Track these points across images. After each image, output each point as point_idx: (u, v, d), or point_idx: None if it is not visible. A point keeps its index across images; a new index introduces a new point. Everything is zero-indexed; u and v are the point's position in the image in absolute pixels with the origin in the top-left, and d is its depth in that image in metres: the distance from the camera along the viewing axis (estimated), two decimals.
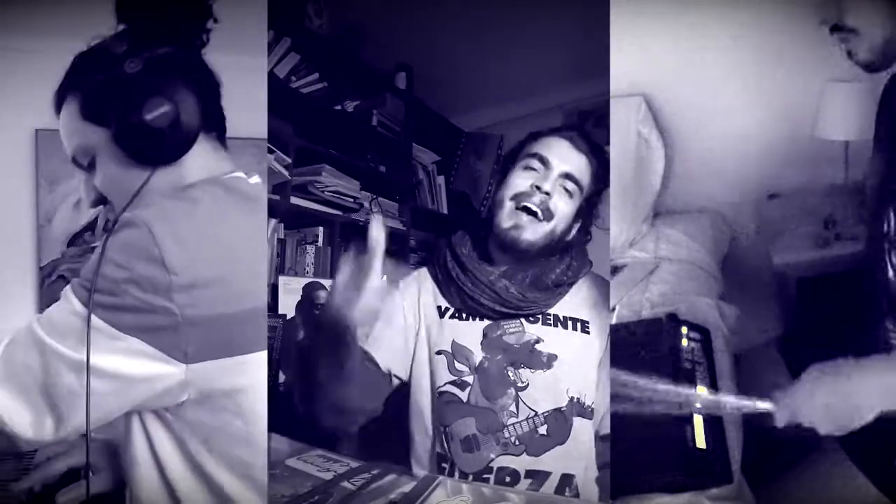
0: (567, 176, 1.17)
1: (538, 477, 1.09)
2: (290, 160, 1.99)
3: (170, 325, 0.74)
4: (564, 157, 1.18)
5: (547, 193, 1.15)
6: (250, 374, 0.80)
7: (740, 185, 1.87)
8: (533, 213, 1.15)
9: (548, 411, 1.11)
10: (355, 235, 2.32)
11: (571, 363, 1.14)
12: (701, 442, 1.04)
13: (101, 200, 0.88)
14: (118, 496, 0.92)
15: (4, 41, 1.95)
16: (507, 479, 1.08)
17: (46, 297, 2.15)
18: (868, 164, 1.15)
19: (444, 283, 1.20)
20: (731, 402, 1.00)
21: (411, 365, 1.18)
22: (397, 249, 2.49)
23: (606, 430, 1.16)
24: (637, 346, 1.18)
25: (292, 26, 2.01)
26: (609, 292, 1.27)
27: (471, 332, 1.16)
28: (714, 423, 1.08)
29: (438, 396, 1.14)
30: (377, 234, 0.91)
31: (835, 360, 0.93)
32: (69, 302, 0.76)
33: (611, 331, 1.19)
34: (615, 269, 1.61)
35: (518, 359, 1.13)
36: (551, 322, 1.18)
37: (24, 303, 2.18)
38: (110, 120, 0.82)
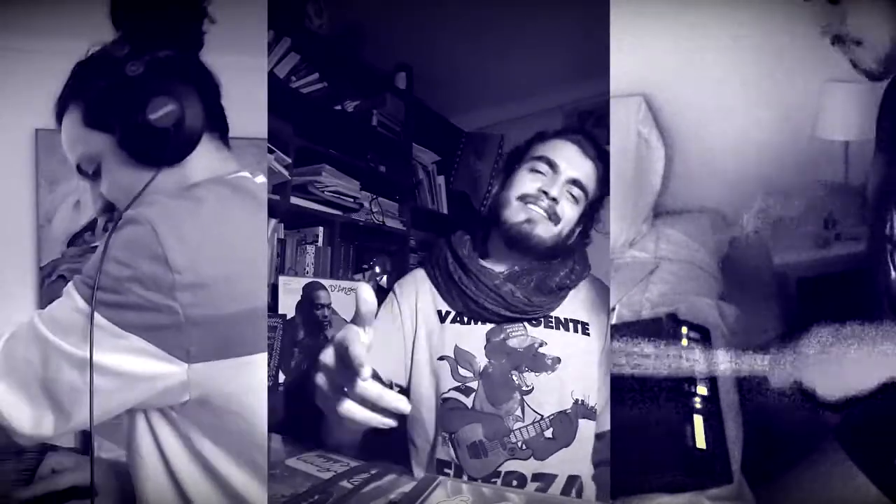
0: (574, 182, 1.17)
1: (545, 480, 1.09)
2: (290, 160, 1.99)
3: (172, 324, 0.74)
4: (573, 162, 1.18)
5: (554, 199, 1.15)
6: (253, 375, 0.80)
7: (740, 185, 1.87)
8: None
9: (553, 414, 1.11)
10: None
11: (574, 365, 1.14)
12: (701, 442, 1.04)
13: (109, 208, 0.88)
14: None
15: (4, 41, 1.96)
16: (515, 482, 1.08)
17: (46, 296, 2.16)
18: (870, 165, 1.15)
19: (445, 285, 1.20)
20: (726, 358, 0.99)
21: (410, 371, 1.18)
22: (397, 250, 2.49)
23: (603, 427, 1.16)
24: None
25: (292, 26, 2.01)
26: (607, 293, 1.27)
27: (473, 337, 1.16)
28: (714, 423, 1.08)
29: (443, 403, 1.13)
30: (369, 297, 0.69)
31: (842, 323, 0.91)
32: (72, 298, 0.76)
33: (611, 331, 1.19)
34: (615, 270, 1.61)
35: (522, 362, 1.13)
36: (553, 324, 1.18)
37: (24, 303, 2.18)
38: (114, 124, 0.82)
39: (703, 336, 1.21)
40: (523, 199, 1.16)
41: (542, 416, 1.10)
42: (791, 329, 1.08)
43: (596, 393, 1.15)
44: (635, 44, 1.66)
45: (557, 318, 1.18)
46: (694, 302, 1.43)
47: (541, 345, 1.15)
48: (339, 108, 2.25)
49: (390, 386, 1.16)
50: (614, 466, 1.06)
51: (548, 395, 1.11)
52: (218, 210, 0.80)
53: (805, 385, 0.91)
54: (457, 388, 1.13)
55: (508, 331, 1.16)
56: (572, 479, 1.10)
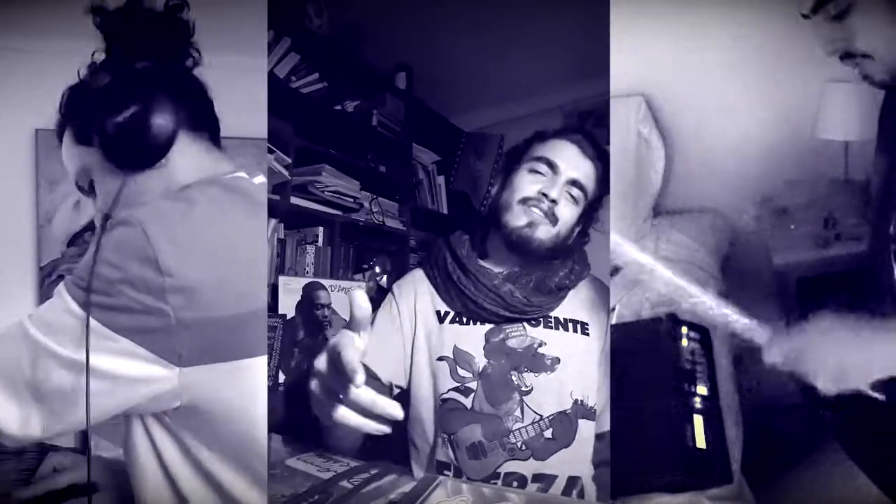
0: (574, 182, 1.17)
1: (545, 480, 1.09)
2: (290, 160, 1.99)
3: (163, 328, 0.74)
4: (573, 162, 1.17)
5: (554, 201, 1.14)
6: (249, 379, 0.79)
7: (740, 185, 1.87)
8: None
9: (553, 415, 1.11)
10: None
11: (573, 365, 1.14)
12: (701, 442, 1.04)
13: (107, 219, 0.88)
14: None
15: (4, 41, 1.96)
16: (515, 483, 1.08)
17: (46, 296, 2.15)
18: (871, 166, 1.15)
19: (444, 286, 1.20)
20: (722, 312, 0.99)
21: (410, 372, 1.18)
22: (397, 250, 2.49)
23: (603, 428, 1.16)
24: (637, 346, 1.18)
25: (292, 26, 2.01)
26: (607, 293, 1.27)
27: (472, 338, 1.16)
28: (714, 423, 1.08)
29: (442, 404, 1.13)
30: (363, 302, 0.68)
31: (848, 314, 0.91)
32: (62, 300, 0.75)
33: (611, 331, 1.19)
34: (615, 270, 1.61)
35: (521, 363, 1.13)
36: (552, 325, 1.17)
37: (24, 303, 2.18)
38: (93, 137, 0.84)
39: (703, 336, 1.21)
40: (524, 202, 1.15)
41: (541, 416, 1.10)
42: (793, 313, 1.09)
43: (595, 393, 1.15)
44: (635, 44, 1.66)
45: (557, 319, 1.18)
46: (694, 301, 1.43)
47: (540, 345, 1.14)
48: (339, 108, 2.25)
49: (390, 388, 1.15)
50: (614, 466, 1.06)
51: (547, 395, 1.11)
52: (211, 211, 0.80)
53: (805, 379, 0.90)
54: (456, 389, 1.12)
55: (508, 331, 1.16)
56: (573, 480, 1.10)
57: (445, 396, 1.13)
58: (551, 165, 1.17)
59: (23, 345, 0.76)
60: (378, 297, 1.25)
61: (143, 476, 0.83)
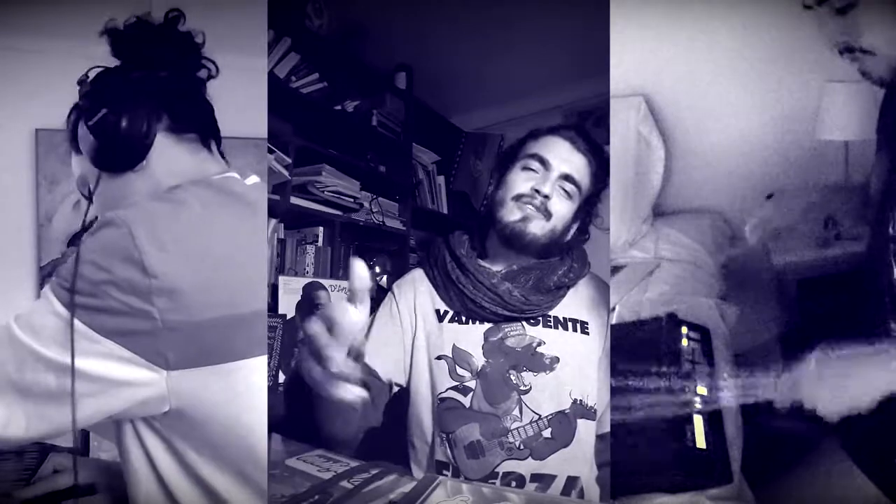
0: (566, 177, 1.17)
1: (544, 480, 1.09)
2: (290, 160, 1.99)
3: (149, 330, 0.73)
4: (564, 157, 1.18)
5: (546, 196, 1.15)
6: (243, 381, 0.78)
7: (740, 185, 1.87)
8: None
9: (551, 414, 1.11)
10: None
11: (573, 365, 1.14)
12: (701, 442, 1.04)
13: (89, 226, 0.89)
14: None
15: (4, 41, 1.95)
16: (513, 483, 1.08)
17: None
18: (871, 167, 1.15)
19: (443, 285, 1.20)
20: (730, 394, 1.00)
21: (409, 371, 1.18)
22: (397, 250, 2.49)
23: (605, 428, 1.16)
24: (637, 346, 1.18)
25: (292, 26, 2.01)
26: (607, 292, 1.27)
27: (471, 337, 1.16)
28: (714, 423, 1.08)
29: (440, 402, 1.13)
30: (362, 272, 0.68)
31: (840, 343, 0.92)
32: (48, 301, 0.75)
33: (611, 331, 1.19)
34: (615, 269, 1.61)
35: (520, 362, 1.13)
36: (551, 324, 1.18)
37: (23, 303, 2.18)
38: (81, 144, 0.86)
39: (703, 336, 1.21)
40: (518, 198, 1.16)
41: (539, 415, 1.10)
42: (791, 348, 1.10)
43: (595, 393, 1.15)
44: (635, 44, 1.66)
45: (556, 318, 1.18)
46: (694, 302, 1.43)
47: (539, 344, 1.15)
48: (339, 108, 2.25)
49: (390, 386, 1.16)
50: (614, 467, 1.06)
51: (546, 394, 1.11)
52: (199, 213, 0.79)
53: (806, 405, 0.92)
54: (454, 388, 1.13)
55: (507, 330, 1.16)
56: (572, 480, 1.10)
57: (443, 395, 1.13)
58: (543, 161, 1.17)
59: (8, 346, 0.75)
60: (378, 297, 1.25)
61: (136, 480, 0.82)
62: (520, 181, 1.17)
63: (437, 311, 1.19)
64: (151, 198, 0.82)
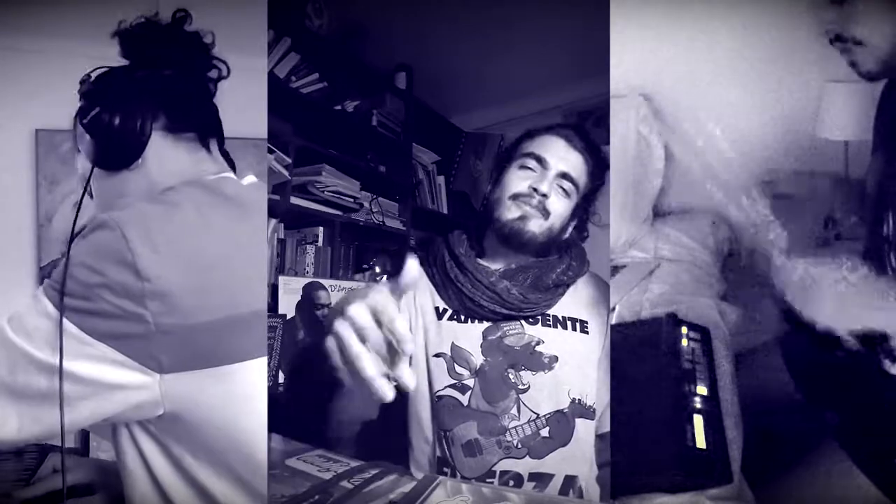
0: (564, 176, 1.17)
1: (542, 480, 1.09)
2: (290, 160, 1.99)
3: (142, 333, 0.72)
4: (561, 156, 1.18)
5: (544, 195, 1.15)
6: (241, 382, 0.78)
7: (740, 185, 1.87)
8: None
9: (550, 413, 1.11)
10: None
11: (572, 364, 1.14)
12: (701, 442, 1.04)
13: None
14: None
15: (4, 41, 1.95)
16: (511, 482, 1.08)
17: None
18: (868, 166, 1.15)
19: (442, 284, 1.20)
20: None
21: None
22: (397, 250, 2.49)
23: (605, 428, 1.16)
24: (637, 346, 1.18)
25: (292, 26, 2.01)
26: (607, 291, 1.27)
27: (470, 335, 1.16)
28: (714, 423, 1.08)
29: (438, 400, 1.13)
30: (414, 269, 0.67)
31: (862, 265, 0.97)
32: (40, 303, 0.75)
33: (611, 330, 1.19)
34: (615, 269, 1.61)
35: (518, 361, 1.13)
36: (550, 323, 1.18)
37: (23, 303, 2.18)
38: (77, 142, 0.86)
39: (703, 336, 1.21)
40: (516, 197, 1.16)
41: (538, 414, 1.10)
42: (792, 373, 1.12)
43: (594, 392, 1.15)
44: (635, 44, 1.66)
45: (555, 317, 1.18)
46: (694, 302, 1.43)
47: (538, 343, 1.15)
48: (339, 108, 2.25)
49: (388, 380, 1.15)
50: (614, 467, 1.06)
51: (544, 393, 1.11)
52: (192, 214, 0.79)
53: (794, 305, 0.93)
54: (452, 386, 1.13)
55: (505, 329, 1.16)
56: (570, 479, 1.10)
57: (441, 393, 1.13)
58: (540, 160, 1.17)
59: (0, 348, 0.75)
60: None
61: (132, 482, 0.82)
62: (517, 180, 1.17)
63: (437, 309, 1.19)
64: (145, 199, 0.82)
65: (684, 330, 1.18)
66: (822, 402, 1.08)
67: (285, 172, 1.97)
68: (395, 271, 1.30)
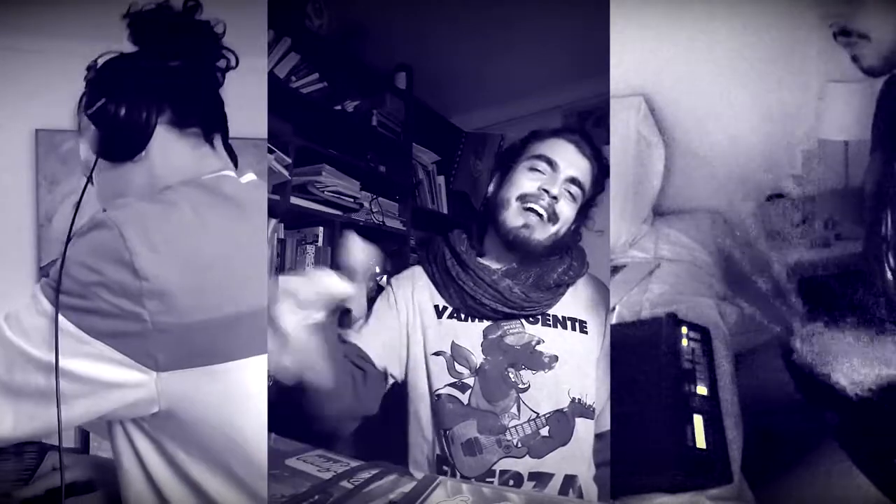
0: (573, 180, 1.17)
1: (541, 479, 1.09)
2: (290, 160, 1.99)
3: (139, 332, 0.73)
4: (571, 160, 1.18)
5: (555, 197, 1.15)
6: (238, 380, 0.78)
7: (741, 184, 1.87)
8: (539, 216, 1.15)
9: (549, 413, 1.11)
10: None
11: (571, 363, 1.14)
12: (701, 442, 1.04)
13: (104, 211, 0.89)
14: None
15: (4, 41, 1.96)
16: (511, 482, 1.08)
17: None
18: (866, 167, 1.15)
19: (443, 282, 1.20)
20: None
21: (406, 366, 1.18)
22: (397, 249, 2.49)
23: (604, 427, 1.16)
24: (637, 346, 1.18)
25: (292, 26, 2.01)
26: (606, 292, 1.27)
27: (470, 334, 1.16)
28: (714, 423, 1.08)
29: (437, 399, 1.13)
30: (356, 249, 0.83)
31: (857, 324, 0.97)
32: (38, 301, 0.75)
33: (611, 330, 1.19)
34: (615, 269, 1.61)
35: (519, 360, 1.13)
36: (551, 322, 1.18)
37: (19, 307, 2.18)
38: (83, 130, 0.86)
39: (703, 336, 1.21)
40: (523, 198, 1.16)
41: (538, 414, 1.10)
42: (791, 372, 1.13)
43: (594, 391, 1.15)
44: (635, 44, 1.66)
45: (555, 316, 1.18)
46: (694, 302, 1.43)
47: (538, 342, 1.15)
48: (339, 108, 2.25)
49: (385, 375, 1.15)
50: (614, 467, 1.06)
51: (544, 393, 1.12)
52: (190, 214, 0.79)
53: (821, 370, 0.94)
54: (452, 385, 1.13)
55: (506, 328, 1.16)
56: (569, 479, 1.10)
57: (441, 392, 1.13)
58: (551, 163, 1.17)
59: None
60: (377, 296, 1.25)
61: (128, 481, 0.82)
62: (526, 181, 1.17)
63: (436, 307, 1.19)
64: (144, 196, 0.82)
65: (684, 330, 1.18)
66: (822, 402, 1.08)
67: (285, 172, 1.97)
68: (394, 272, 1.31)
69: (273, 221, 1.99)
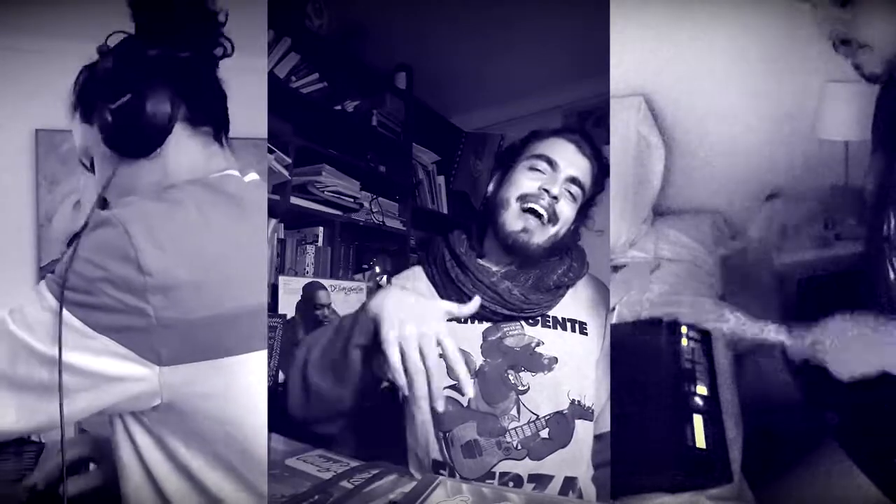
0: (573, 180, 1.17)
1: (541, 481, 1.09)
2: (290, 160, 1.99)
3: (143, 327, 0.74)
4: (571, 160, 1.18)
5: (555, 197, 1.15)
6: (239, 375, 0.79)
7: (741, 185, 1.87)
8: (539, 216, 1.14)
9: (549, 414, 1.11)
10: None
11: (571, 365, 1.14)
12: (701, 442, 1.04)
13: (103, 202, 0.89)
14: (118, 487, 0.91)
15: (4, 41, 1.95)
16: (511, 483, 1.08)
17: None
18: (867, 167, 1.15)
19: (442, 284, 1.19)
20: (748, 328, 1.03)
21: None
22: (397, 249, 2.49)
23: (603, 429, 1.16)
24: (637, 346, 1.18)
25: (292, 26, 2.01)
26: (606, 293, 1.27)
27: (470, 336, 1.16)
28: (714, 423, 1.08)
29: None
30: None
31: (860, 311, 0.97)
32: (43, 297, 0.76)
33: (611, 331, 1.19)
34: (615, 269, 1.61)
35: (518, 362, 1.13)
36: (550, 324, 1.17)
37: (23, 302, 2.18)
38: (94, 117, 0.85)
39: (703, 336, 1.21)
40: (523, 198, 1.16)
41: (537, 416, 1.10)
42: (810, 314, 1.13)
43: (593, 393, 1.15)
44: (635, 44, 1.66)
45: (555, 318, 1.18)
46: (694, 302, 1.43)
47: (538, 344, 1.14)
48: (339, 108, 2.25)
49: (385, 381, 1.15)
50: (614, 467, 1.06)
51: (544, 394, 1.11)
52: (195, 212, 0.80)
53: (814, 363, 0.96)
54: (452, 387, 1.12)
55: (505, 329, 1.16)
56: (569, 481, 1.10)
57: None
58: (551, 163, 1.17)
59: (3, 342, 0.76)
60: None
61: (126, 475, 0.83)
62: (526, 181, 1.17)
63: None
64: (148, 196, 0.82)
65: (684, 330, 1.18)
66: (822, 402, 1.08)
67: (285, 172, 1.97)
68: (394, 272, 1.30)
69: (273, 221, 1.99)
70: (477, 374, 1.12)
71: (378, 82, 2.41)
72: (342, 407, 1.00)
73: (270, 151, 1.92)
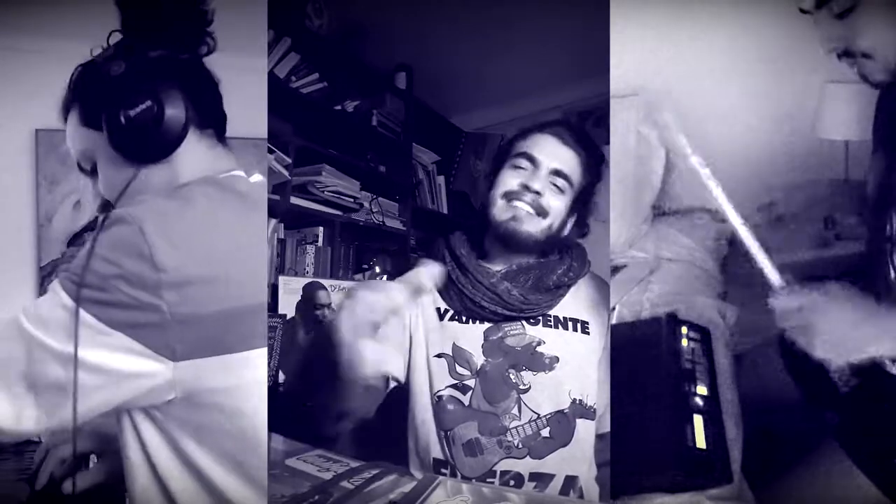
0: (556, 173, 1.17)
1: (542, 480, 1.09)
2: (290, 160, 1.99)
3: (157, 323, 0.75)
4: (552, 153, 1.18)
5: (537, 192, 1.15)
6: (244, 371, 0.80)
7: (741, 184, 1.87)
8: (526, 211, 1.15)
9: (550, 413, 1.11)
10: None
11: (572, 364, 1.14)
12: (701, 442, 1.04)
13: (106, 205, 0.89)
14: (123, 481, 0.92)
15: (5, 41, 1.95)
16: (511, 482, 1.08)
17: None
18: (868, 167, 1.15)
19: (444, 285, 1.20)
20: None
21: (408, 368, 1.18)
22: (397, 249, 2.49)
23: (605, 428, 1.16)
24: (637, 346, 1.18)
25: (292, 26, 2.01)
26: (608, 292, 1.27)
27: (471, 335, 1.16)
28: (714, 423, 1.08)
29: (438, 400, 1.13)
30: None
31: (856, 292, 0.95)
32: (57, 295, 0.76)
33: (611, 330, 1.19)
34: (615, 269, 1.61)
35: (519, 361, 1.13)
36: (552, 323, 1.18)
37: (23, 302, 2.18)
38: (102, 123, 0.84)
39: (703, 336, 1.21)
40: (507, 196, 1.16)
41: (538, 415, 1.10)
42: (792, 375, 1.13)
43: (594, 392, 1.15)
44: (635, 44, 1.66)
45: (556, 317, 1.18)
46: (694, 302, 1.43)
47: (539, 344, 1.15)
48: (339, 108, 2.25)
49: (387, 381, 1.15)
50: (614, 467, 1.06)
51: (545, 394, 1.11)
52: (206, 210, 0.81)
53: (801, 345, 0.94)
54: (454, 386, 1.13)
55: (506, 329, 1.16)
56: (570, 479, 1.10)
57: (442, 393, 1.13)
58: (531, 159, 1.17)
59: (17, 340, 0.76)
60: None
61: (134, 474, 0.83)
62: (509, 179, 1.17)
63: (438, 310, 1.19)
64: (161, 194, 0.83)
65: (684, 330, 1.18)
66: (822, 402, 1.08)
67: (285, 172, 1.97)
68: (394, 272, 1.30)
69: (273, 221, 1.99)
70: (478, 373, 1.13)
71: (378, 82, 2.41)
72: (347, 406, 1.00)
73: (270, 151, 1.92)
